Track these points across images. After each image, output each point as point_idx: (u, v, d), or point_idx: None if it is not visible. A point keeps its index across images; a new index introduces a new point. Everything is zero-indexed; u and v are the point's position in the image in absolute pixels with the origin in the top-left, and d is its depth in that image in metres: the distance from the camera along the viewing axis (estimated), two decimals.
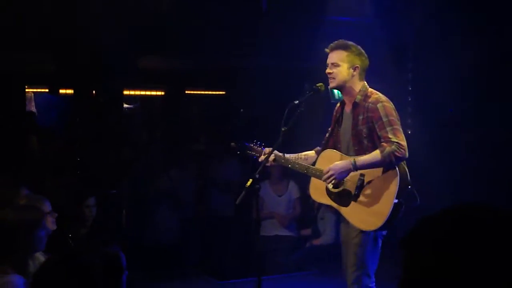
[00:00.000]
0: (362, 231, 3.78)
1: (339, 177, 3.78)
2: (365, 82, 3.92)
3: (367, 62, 3.94)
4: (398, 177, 3.64)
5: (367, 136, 3.77)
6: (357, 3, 6.67)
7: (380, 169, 3.70)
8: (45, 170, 6.26)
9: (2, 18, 5.94)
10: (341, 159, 3.89)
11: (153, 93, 9.97)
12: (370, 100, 3.80)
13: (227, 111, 9.51)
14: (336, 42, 3.93)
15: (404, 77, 7.23)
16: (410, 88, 7.22)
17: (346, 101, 3.97)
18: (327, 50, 3.94)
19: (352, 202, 3.80)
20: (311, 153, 4.16)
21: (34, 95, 8.14)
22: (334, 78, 3.89)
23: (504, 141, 6.32)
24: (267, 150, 4.13)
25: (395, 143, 3.62)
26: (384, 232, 3.84)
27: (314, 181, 4.05)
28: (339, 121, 4.03)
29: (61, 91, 8.17)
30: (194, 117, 9.44)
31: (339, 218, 4.08)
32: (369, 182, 3.75)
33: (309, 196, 4.26)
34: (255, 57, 7.59)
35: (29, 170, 5.90)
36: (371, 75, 3.97)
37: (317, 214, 6.88)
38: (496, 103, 6.41)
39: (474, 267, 1.15)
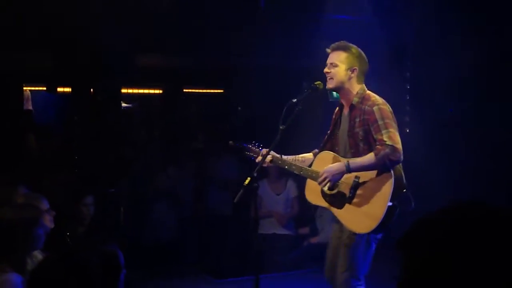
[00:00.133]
0: (355, 233, 3.78)
1: (333, 179, 3.77)
2: (364, 85, 3.91)
3: (366, 66, 3.92)
4: (393, 180, 3.63)
5: (363, 138, 3.76)
6: (356, 1, 6.67)
7: (375, 172, 3.70)
8: (43, 168, 6.25)
9: (0, 17, 5.93)
10: (336, 161, 3.89)
11: (151, 91, 9.97)
12: (367, 102, 3.79)
13: (225, 109, 9.51)
14: (337, 43, 3.92)
15: (403, 76, 7.23)
16: (408, 87, 7.23)
17: (344, 103, 3.97)
18: (328, 50, 3.94)
19: (347, 204, 3.79)
20: (309, 155, 4.16)
21: (31, 93, 8.14)
22: (331, 79, 3.88)
23: (504, 141, 6.32)
24: (264, 151, 4.12)
25: (389, 146, 3.60)
26: (379, 236, 3.82)
27: (309, 183, 4.05)
28: (337, 123, 4.03)
29: (59, 89, 8.16)
30: (192, 116, 9.44)
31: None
32: (363, 185, 3.74)
33: None
34: (253, 56, 7.59)
35: (27, 169, 5.89)
36: (370, 74, 3.97)
37: (315, 213, 6.88)
38: (495, 103, 6.41)
39: (472, 267, 1.15)
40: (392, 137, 3.64)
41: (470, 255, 1.15)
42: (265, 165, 3.97)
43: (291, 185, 7.11)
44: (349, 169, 3.71)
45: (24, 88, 7.98)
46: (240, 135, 4.48)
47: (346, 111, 3.94)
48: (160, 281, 6.13)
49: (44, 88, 8.13)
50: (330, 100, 6.35)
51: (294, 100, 3.84)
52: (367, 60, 3.93)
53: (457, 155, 6.64)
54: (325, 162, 3.93)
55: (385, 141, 3.61)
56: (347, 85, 3.87)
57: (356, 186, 3.75)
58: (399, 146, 3.63)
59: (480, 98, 6.50)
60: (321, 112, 6.51)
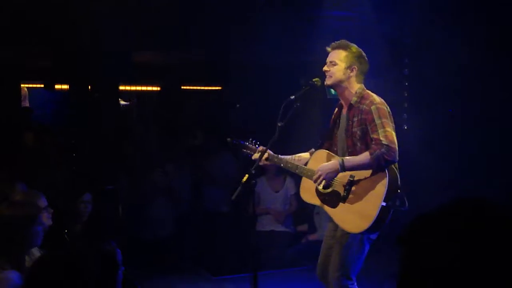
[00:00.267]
0: (349, 233, 3.78)
1: (328, 178, 3.77)
2: (363, 85, 3.90)
3: (366, 65, 3.91)
4: (387, 180, 3.61)
5: (361, 138, 3.76)
6: None
7: (370, 171, 3.69)
8: (40, 165, 6.24)
9: None
10: (330, 159, 3.89)
11: (149, 88, 9.97)
12: (364, 102, 3.78)
13: (223, 106, 9.51)
14: (337, 41, 3.92)
15: (401, 73, 7.23)
16: (406, 84, 7.23)
17: (343, 103, 3.96)
18: (328, 49, 3.94)
19: (341, 204, 3.79)
20: (305, 154, 4.15)
21: (29, 90, 8.13)
22: (330, 76, 3.88)
23: (503, 139, 6.32)
24: (261, 148, 4.12)
25: (385, 145, 3.59)
26: (373, 236, 3.82)
27: (304, 182, 4.06)
28: (336, 123, 4.03)
29: (57, 86, 8.16)
30: (190, 113, 9.43)
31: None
32: (358, 184, 3.73)
33: None
34: (251, 53, 7.59)
35: (25, 166, 5.89)
36: (368, 71, 3.96)
37: (313, 210, 6.89)
38: (494, 100, 6.41)
39: (473, 263, 1.15)
40: (388, 136, 3.63)
41: (470, 251, 1.16)
42: (261, 163, 3.97)
43: (289, 182, 7.11)
44: (343, 167, 3.71)
45: (22, 85, 7.97)
46: (238, 132, 4.48)
47: (345, 111, 3.94)
48: (158, 278, 6.13)
49: (42, 86, 8.13)
50: (328, 97, 6.36)
51: (292, 97, 3.84)
52: (367, 60, 3.92)
53: (456, 153, 6.65)
54: (320, 161, 3.93)
55: (381, 140, 3.61)
56: (345, 84, 3.86)
57: (350, 185, 3.75)
58: (395, 146, 3.62)
59: (479, 96, 6.50)
60: (320, 109, 6.52)
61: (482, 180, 6.18)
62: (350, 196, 3.75)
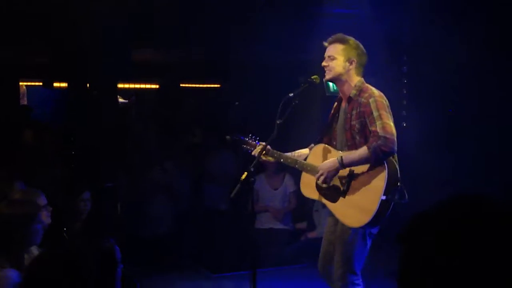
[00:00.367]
0: (351, 228, 3.78)
1: (330, 176, 3.78)
2: (362, 78, 3.90)
3: (364, 58, 3.91)
4: (387, 174, 3.61)
5: (359, 131, 3.76)
6: None
7: (369, 165, 3.69)
8: (39, 163, 6.24)
9: None
10: (326, 152, 3.90)
11: (148, 86, 9.97)
12: (363, 95, 3.78)
13: (222, 104, 9.51)
14: (334, 36, 3.92)
15: (400, 70, 7.23)
16: (405, 81, 7.23)
17: (342, 96, 3.96)
18: (325, 44, 3.93)
19: (341, 198, 3.79)
20: (305, 150, 4.16)
21: (27, 88, 8.13)
22: (330, 71, 3.88)
23: (502, 134, 6.32)
24: (261, 144, 4.13)
25: (382, 137, 3.58)
26: (374, 230, 3.82)
27: (304, 177, 4.06)
28: (335, 117, 4.03)
29: (55, 84, 8.15)
30: (189, 110, 9.43)
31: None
32: (357, 178, 3.73)
33: None
34: (250, 50, 7.58)
35: (24, 164, 5.88)
36: (367, 68, 3.96)
37: (312, 207, 6.89)
38: (493, 97, 6.41)
39: (472, 260, 1.15)
40: (386, 127, 3.61)
41: (470, 248, 1.16)
42: (261, 159, 3.97)
43: (288, 180, 7.11)
44: (342, 164, 3.71)
45: (20, 83, 7.97)
46: (236, 130, 4.48)
47: (344, 104, 3.94)
48: (157, 275, 6.13)
49: (41, 84, 8.13)
50: (327, 94, 6.37)
51: (291, 95, 3.85)
52: (365, 52, 3.92)
53: (454, 149, 6.65)
54: (318, 155, 3.95)
55: (378, 133, 3.61)
56: (345, 77, 3.86)
57: (350, 179, 3.75)
58: (392, 137, 3.60)
59: (476, 92, 6.50)
60: (319, 106, 6.52)
61: (480, 178, 6.18)
62: (350, 190, 3.75)
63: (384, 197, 3.59)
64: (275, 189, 7.15)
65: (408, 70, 7.21)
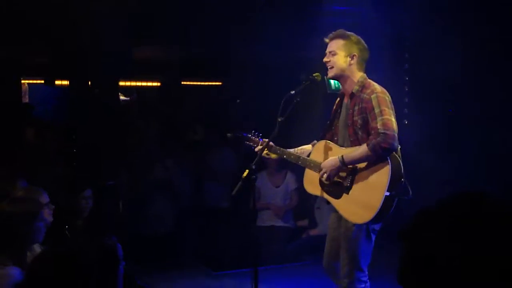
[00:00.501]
0: (354, 224, 3.78)
1: (332, 175, 3.79)
2: (365, 74, 3.90)
3: (366, 52, 3.91)
4: (390, 170, 3.60)
5: (362, 127, 3.75)
6: None
7: (372, 161, 3.69)
8: (41, 161, 6.25)
9: None
10: (328, 148, 3.90)
11: (149, 84, 9.96)
12: (365, 91, 3.78)
13: (224, 101, 9.50)
14: (335, 31, 3.92)
15: (402, 68, 7.22)
16: (407, 79, 7.22)
17: (345, 92, 3.96)
18: (326, 40, 3.93)
19: (344, 194, 3.79)
20: (308, 147, 4.16)
21: (29, 86, 8.13)
22: (332, 67, 3.88)
23: (504, 131, 6.31)
24: (265, 140, 4.14)
25: (381, 134, 3.58)
26: (377, 226, 3.82)
27: (307, 173, 4.06)
28: (337, 113, 4.03)
29: (57, 82, 8.15)
30: (190, 108, 9.42)
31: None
32: (361, 175, 3.73)
33: None
34: (252, 47, 7.57)
35: (26, 162, 5.89)
36: (368, 65, 3.96)
37: (313, 204, 6.89)
38: (495, 94, 6.39)
39: (472, 257, 1.15)
40: (386, 123, 3.61)
41: (471, 245, 1.16)
42: (264, 154, 3.98)
43: (290, 178, 7.11)
44: (343, 163, 3.72)
45: (22, 81, 7.97)
46: (238, 127, 4.49)
47: (346, 100, 3.94)
48: (158, 273, 6.14)
49: (42, 81, 8.13)
50: (328, 91, 6.37)
51: (292, 92, 3.85)
52: (367, 47, 3.92)
53: (456, 146, 6.64)
54: (320, 151, 3.96)
55: (379, 129, 3.60)
56: (347, 73, 3.86)
57: (353, 176, 3.75)
58: (393, 133, 3.59)
59: (478, 89, 6.49)
60: (320, 104, 6.52)
61: (483, 176, 6.17)
62: (354, 186, 3.75)
63: (388, 193, 3.58)
64: (277, 187, 7.15)
65: (409, 67, 7.20)
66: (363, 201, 3.69)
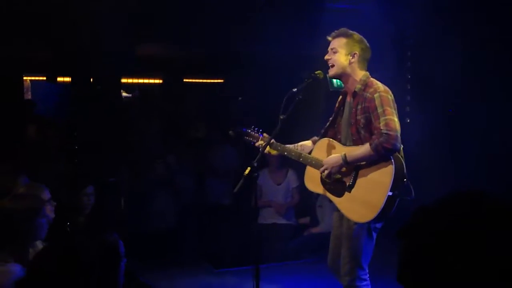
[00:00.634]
0: (356, 223, 3.78)
1: (334, 172, 3.79)
2: (367, 72, 3.90)
3: (368, 51, 3.90)
4: (394, 169, 3.59)
5: (365, 126, 3.75)
6: None
7: (376, 160, 3.69)
8: (43, 158, 6.25)
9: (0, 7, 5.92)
10: (330, 147, 3.90)
11: (151, 81, 9.97)
12: (368, 90, 3.77)
13: (225, 99, 9.51)
14: (338, 30, 3.92)
15: (404, 66, 7.21)
16: (409, 77, 7.21)
17: (347, 90, 3.95)
18: (329, 38, 3.93)
19: (346, 193, 3.79)
20: (308, 143, 4.15)
21: (31, 83, 8.14)
22: (333, 65, 3.87)
23: (505, 130, 6.31)
24: (265, 135, 4.13)
25: (384, 134, 3.57)
26: (379, 225, 3.81)
27: (309, 171, 4.05)
28: (340, 111, 4.02)
29: (59, 79, 8.16)
30: (192, 105, 9.43)
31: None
32: (364, 174, 3.72)
33: None
34: (253, 45, 7.57)
35: (27, 159, 5.89)
36: (370, 63, 3.95)
37: (315, 202, 6.89)
38: (497, 92, 6.39)
39: (472, 255, 1.15)
40: (389, 123, 3.60)
41: (469, 244, 1.16)
42: (266, 151, 3.97)
43: (291, 175, 7.12)
44: (346, 162, 3.72)
45: (24, 78, 7.98)
46: (240, 124, 4.49)
47: (349, 98, 3.93)
48: (160, 270, 6.14)
49: (44, 78, 8.14)
50: (330, 89, 6.36)
51: (294, 90, 3.84)
52: (369, 46, 3.91)
53: (458, 145, 6.64)
54: (322, 149, 3.95)
55: (381, 130, 3.60)
56: (349, 71, 3.86)
57: (356, 174, 3.75)
58: (395, 133, 3.58)
59: (480, 87, 6.48)
60: (322, 102, 6.52)
61: (484, 171, 6.17)
62: (356, 185, 3.74)
63: (390, 193, 3.58)
64: (278, 184, 7.16)
65: (411, 65, 7.19)
66: (365, 200, 3.68)
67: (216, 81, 10.41)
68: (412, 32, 7.10)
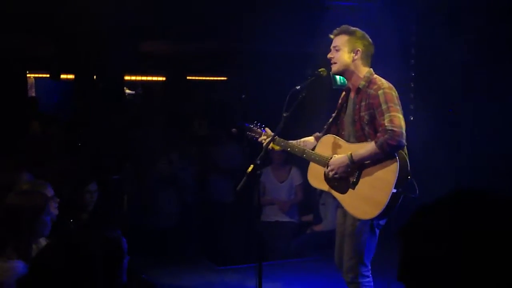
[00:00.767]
0: (359, 220, 3.78)
1: (340, 172, 3.78)
2: (371, 69, 3.89)
3: (371, 47, 3.90)
4: (398, 167, 3.59)
5: (369, 123, 3.74)
6: None
7: (380, 158, 3.68)
8: (46, 155, 6.26)
9: (2, 3, 5.92)
10: (336, 144, 3.89)
11: (155, 78, 9.97)
12: (372, 86, 3.76)
13: (229, 96, 9.50)
14: (339, 27, 3.91)
15: (408, 63, 7.19)
16: (413, 74, 7.19)
17: (351, 87, 3.94)
18: (331, 36, 3.93)
19: (350, 190, 3.78)
20: (310, 138, 4.15)
21: (35, 80, 8.15)
22: (335, 63, 3.87)
23: (507, 128, 6.29)
24: (268, 131, 4.13)
25: (389, 131, 3.57)
26: (382, 222, 3.81)
27: (312, 167, 4.04)
28: (343, 107, 4.01)
29: (62, 76, 8.16)
30: (196, 103, 9.42)
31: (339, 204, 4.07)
32: (368, 171, 3.72)
33: None
34: (257, 43, 7.56)
35: (31, 156, 5.91)
36: (374, 61, 3.94)
37: (318, 200, 6.88)
38: (500, 90, 6.37)
39: (472, 255, 1.15)
40: (394, 120, 3.60)
41: (469, 243, 1.15)
42: (268, 146, 3.96)
43: (294, 173, 7.11)
44: (352, 161, 3.71)
45: (28, 75, 7.99)
46: (241, 118, 4.49)
47: (352, 95, 3.92)
48: (163, 267, 6.15)
49: (48, 75, 8.14)
50: (334, 87, 6.35)
51: (298, 87, 3.83)
52: (372, 42, 3.90)
53: (461, 143, 6.62)
54: (327, 146, 3.94)
55: (386, 126, 3.59)
56: (352, 68, 3.85)
57: (360, 171, 3.74)
58: (400, 130, 3.58)
59: (484, 85, 6.47)
60: (326, 99, 6.51)
61: (487, 169, 6.16)
62: (360, 182, 3.73)
63: (395, 190, 3.58)
64: (281, 182, 7.15)
65: (415, 63, 7.17)
66: (369, 197, 3.68)
67: (219, 78, 10.40)
68: (416, 29, 7.08)
